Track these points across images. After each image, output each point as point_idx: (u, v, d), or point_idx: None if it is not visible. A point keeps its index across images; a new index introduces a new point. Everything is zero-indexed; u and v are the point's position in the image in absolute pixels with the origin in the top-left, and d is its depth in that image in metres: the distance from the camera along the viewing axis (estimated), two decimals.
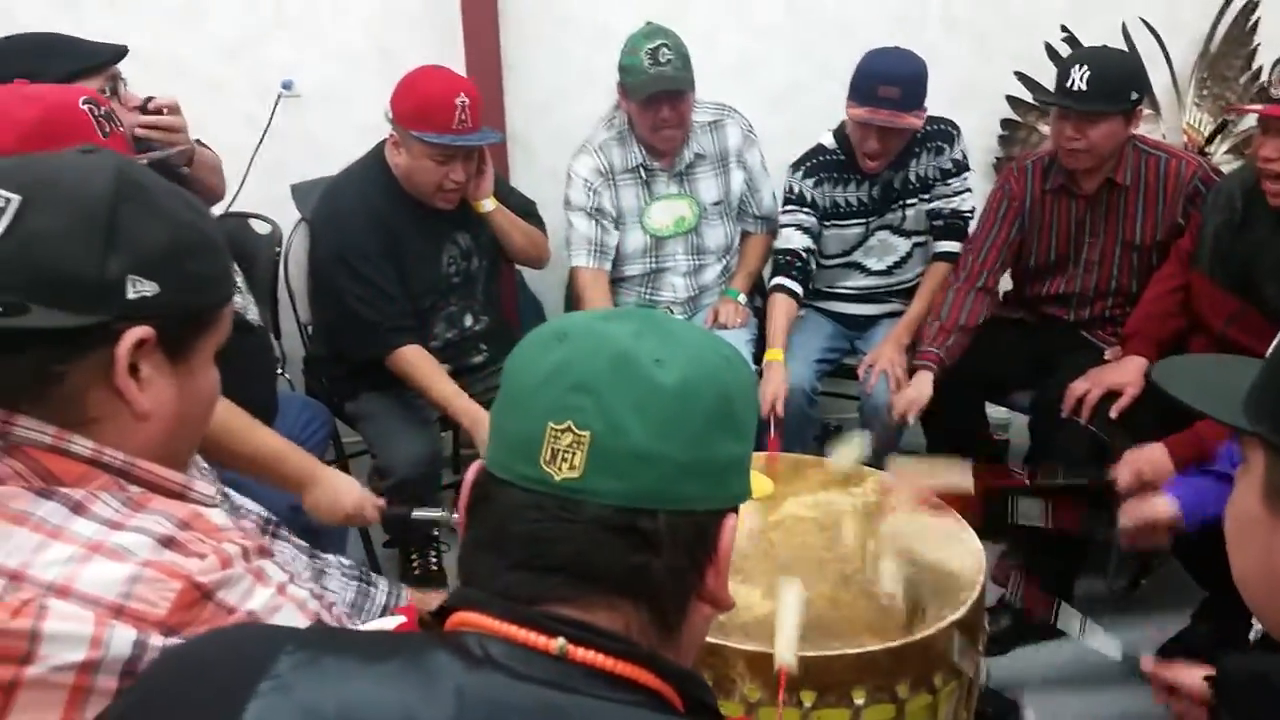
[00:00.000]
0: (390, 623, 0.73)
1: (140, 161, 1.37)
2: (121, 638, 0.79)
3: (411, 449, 2.42)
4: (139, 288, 0.88)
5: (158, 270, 0.89)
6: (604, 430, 0.68)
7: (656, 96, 2.63)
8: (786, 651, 1.37)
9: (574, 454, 0.68)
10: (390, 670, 0.63)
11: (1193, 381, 0.84)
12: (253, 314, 2.09)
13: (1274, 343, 0.74)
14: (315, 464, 1.83)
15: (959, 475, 1.92)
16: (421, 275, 2.50)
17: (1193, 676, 1.35)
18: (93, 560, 0.82)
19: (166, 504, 0.90)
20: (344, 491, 1.80)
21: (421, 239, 2.49)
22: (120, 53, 2.00)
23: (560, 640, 0.66)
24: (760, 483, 0.62)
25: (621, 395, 0.69)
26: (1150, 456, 2.03)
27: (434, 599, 1.53)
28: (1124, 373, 2.40)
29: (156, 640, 0.80)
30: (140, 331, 0.88)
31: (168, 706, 0.65)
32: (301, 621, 0.90)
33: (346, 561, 1.53)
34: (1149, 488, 1.91)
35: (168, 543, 0.85)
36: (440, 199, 2.43)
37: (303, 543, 1.47)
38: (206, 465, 1.28)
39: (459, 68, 2.97)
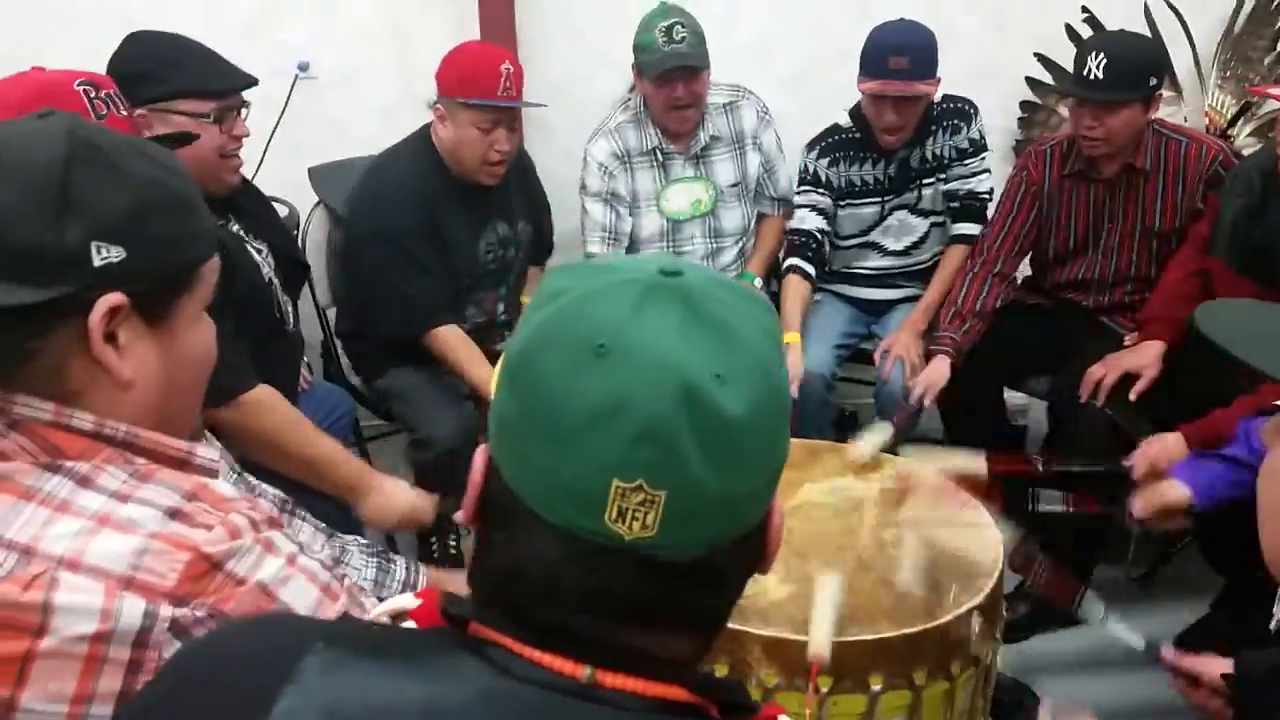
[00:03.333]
0: (408, 600, 0.70)
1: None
2: (131, 609, 0.80)
3: (451, 421, 2.46)
4: (105, 254, 0.84)
5: (122, 234, 0.85)
6: (679, 487, 0.60)
7: (671, 74, 2.62)
8: (821, 643, 1.37)
9: (646, 513, 0.60)
10: (415, 667, 0.62)
11: (1242, 332, 0.82)
12: (291, 322, 2.13)
13: None
14: (368, 471, 1.87)
15: (973, 463, 1.91)
16: (461, 257, 2.55)
17: (1213, 667, 1.34)
18: (101, 533, 0.82)
19: (172, 476, 0.89)
20: (398, 496, 1.83)
21: (462, 224, 2.53)
22: (244, 83, 1.97)
23: (588, 669, 0.62)
24: None
25: (695, 442, 0.60)
26: (1165, 446, 2.02)
27: (454, 580, 1.53)
28: (1141, 356, 2.39)
29: (166, 610, 0.81)
30: (112, 299, 0.85)
31: (190, 707, 0.64)
32: (311, 591, 0.90)
33: (364, 540, 1.54)
34: (1162, 475, 1.91)
35: (174, 514, 0.85)
36: (485, 173, 2.47)
37: (321, 524, 1.48)
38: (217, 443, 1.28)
39: None
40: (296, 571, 0.89)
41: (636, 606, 0.63)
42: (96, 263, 0.84)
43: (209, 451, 0.96)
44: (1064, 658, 2.27)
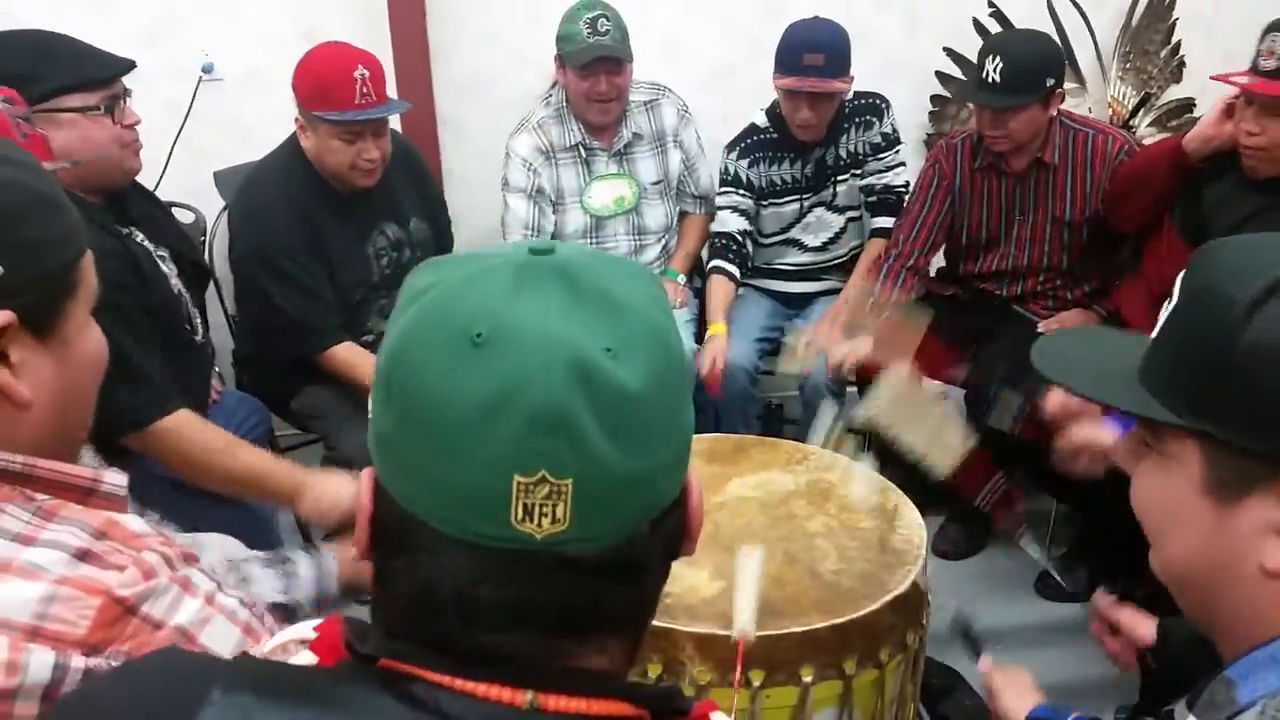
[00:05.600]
0: (304, 631, 0.65)
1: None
2: (40, 661, 0.75)
3: (365, 436, 2.34)
4: None
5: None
6: (584, 471, 0.56)
7: (594, 65, 2.61)
8: (746, 621, 1.34)
9: (554, 506, 0.56)
10: (329, 710, 0.57)
11: (1089, 370, 0.81)
12: (200, 331, 2.04)
13: (1168, 317, 0.72)
14: (301, 472, 1.79)
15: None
16: (348, 268, 2.41)
17: (1139, 625, 1.39)
18: (3, 581, 0.77)
19: (79, 513, 0.84)
20: (340, 489, 1.73)
21: (345, 231, 2.39)
22: (125, 68, 1.84)
23: (528, 694, 0.57)
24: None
25: (594, 421, 0.56)
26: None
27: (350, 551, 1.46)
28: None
29: (78, 661, 0.76)
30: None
31: None
32: (233, 632, 0.85)
33: (262, 554, 1.47)
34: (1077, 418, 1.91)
35: (83, 556, 0.80)
36: (357, 178, 2.33)
37: (232, 541, 1.43)
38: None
39: (385, 49, 2.91)
40: (216, 611, 0.85)
41: (561, 615, 0.59)
42: None
43: (116, 478, 0.91)
44: (1000, 634, 2.32)
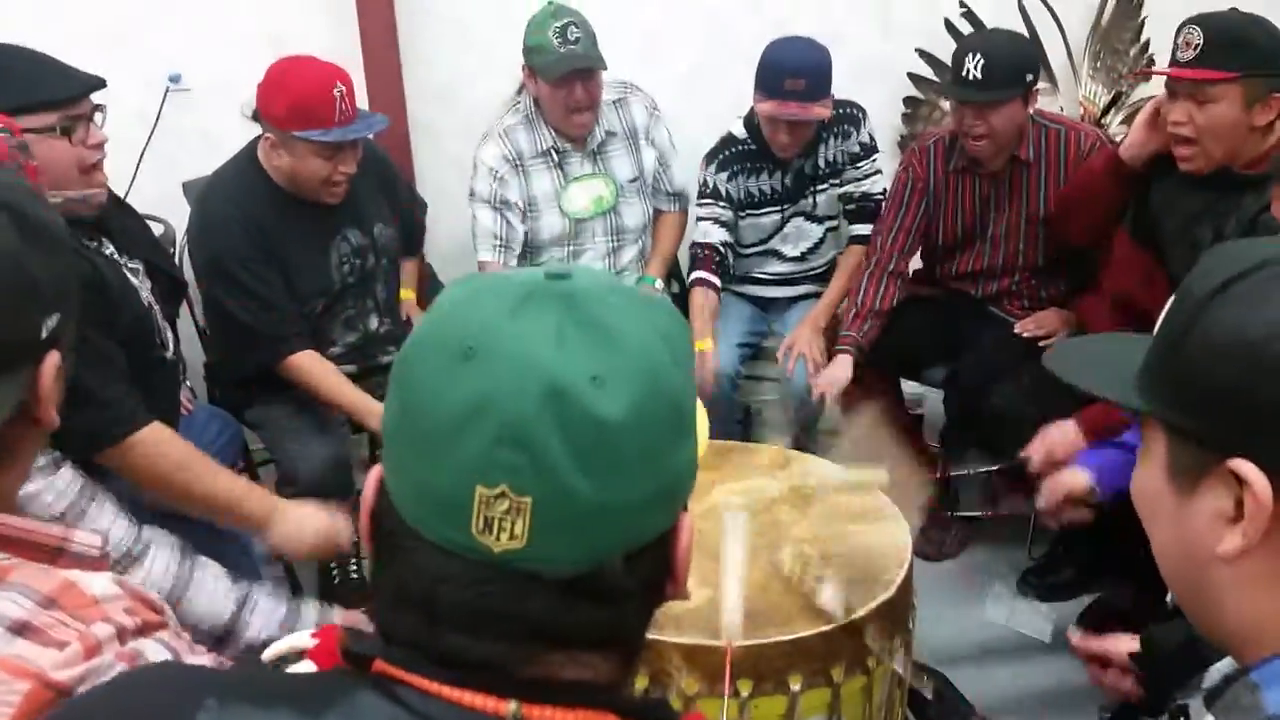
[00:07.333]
0: (303, 639, 0.65)
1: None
2: None
3: (313, 454, 2.31)
4: (49, 322, 0.84)
5: (61, 301, 0.86)
6: (544, 492, 0.57)
7: (569, 76, 2.58)
8: (733, 626, 1.33)
9: (513, 522, 0.57)
10: (324, 716, 0.57)
11: (1086, 362, 0.83)
12: (170, 347, 2.00)
13: (1160, 318, 0.75)
14: (272, 501, 1.77)
15: (876, 475, 1.88)
16: (306, 277, 2.37)
17: (1121, 646, 1.37)
18: None
19: (33, 576, 0.78)
20: (306, 523, 1.73)
21: (303, 242, 2.36)
22: (91, 85, 1.76)
23: (513, 704, 0.58)
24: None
25: (562, 446, 0.57)
26: (1061, 434, 2.06)
27: (358, 619, 1.46)
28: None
29: None
30: (55, 358, 0.85)
31: None
32: None
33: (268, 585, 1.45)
34: (1061, 465, 1.94)
35: (20, 630, 0.74)
36: (328, 193, 2.31)
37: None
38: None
39: (355, 54, 2.89)
40: None
41: (527, 626, 0.59)
42: (44, 334, 0.84)
43: (88, 537, 0.87)
44: (980, 642, 2.31)
